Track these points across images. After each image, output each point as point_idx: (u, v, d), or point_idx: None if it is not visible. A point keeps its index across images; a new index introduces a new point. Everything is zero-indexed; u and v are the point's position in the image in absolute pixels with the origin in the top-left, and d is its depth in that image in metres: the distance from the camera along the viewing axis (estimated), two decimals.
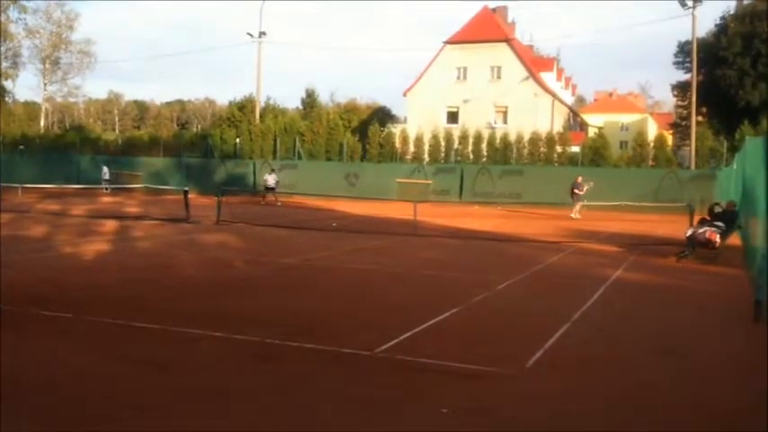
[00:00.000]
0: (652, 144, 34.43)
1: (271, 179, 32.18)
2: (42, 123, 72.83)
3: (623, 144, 56.39)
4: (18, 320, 7.60)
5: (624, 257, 14.30)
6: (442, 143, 37.38)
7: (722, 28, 43.36)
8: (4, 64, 67.78)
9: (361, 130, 44.36)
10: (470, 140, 36.73)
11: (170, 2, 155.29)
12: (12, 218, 19.64)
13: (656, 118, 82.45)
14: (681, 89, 50.13)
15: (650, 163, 33.58)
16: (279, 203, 30.79)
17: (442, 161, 36.78)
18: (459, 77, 51.74)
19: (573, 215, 25.54)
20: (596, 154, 34.16)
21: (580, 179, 26.72)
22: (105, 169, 37.45)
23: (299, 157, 39.48)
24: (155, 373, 5.93)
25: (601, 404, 5.40)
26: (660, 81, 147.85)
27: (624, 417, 5.15)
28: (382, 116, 58.72)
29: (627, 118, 79.02)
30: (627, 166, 33.63)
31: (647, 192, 28.05)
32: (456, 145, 37.08)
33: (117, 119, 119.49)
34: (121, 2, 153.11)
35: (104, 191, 34.99)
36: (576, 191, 26.14)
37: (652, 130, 56.45)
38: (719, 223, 13.99)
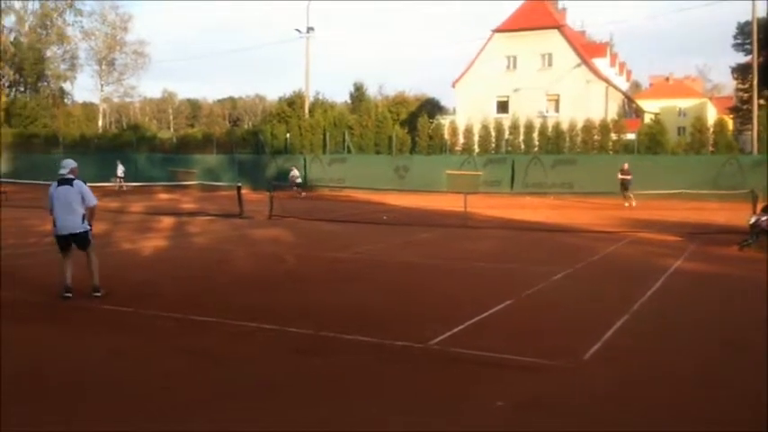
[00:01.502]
0: (711, 129, 33.32)
1: (297, 176, 33.91)
2: (100, 123, 74.87)
3: (681, 130, 54.86)
4: (79, 314, 7.81)
5: (684, 247, 13.89)
6: (493, 133, 36.96)
7: None
8: (63, 66, 70.00)
9: (410, 123, 44.20)
10: (521, 130, 36.21)
11: (219, 1, 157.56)
12: None
13: (715, 102, 79.97)
14: (741, 72, 48.55)
15: (710, 149, 32.54)
16: (302, 195, 31.96)
17: (493, 152, 36.38)
18: (508, 66, 51.05)
19: (627, 204, 25.09)
20: (653, 141, 33.26)
21: (626, 166, 26.17)
22: (121, 167, 37.80)
23: (349, 151, 39.60)
24: (211, 366, 6.01)
25: (661, 398, 5.23)
26: (719, 64, 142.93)
27: (685, 410, 4.98)
28: (431, 108, 58.39)
29: (684, 103, 76.82)
30: (685, 153, 32.65)
31: (707, 179, 27.20)
32: (506, 135, 36.60)
33: (171, 117, 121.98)
34: (171, 2, 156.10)
35: (116, 188, 34.72)
36: (624, 177, 25.65)
37: (711, 115, 54.74)
38: None
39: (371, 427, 4.64)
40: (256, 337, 6.92)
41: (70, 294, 8.29)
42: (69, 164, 8.70)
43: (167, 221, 19.53)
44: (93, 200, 8.64)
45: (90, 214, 8.66)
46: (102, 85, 72.92)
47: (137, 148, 44.83)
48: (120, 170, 37.56)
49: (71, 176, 8.56)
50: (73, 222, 8.45)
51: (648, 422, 4.75)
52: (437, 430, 4.59)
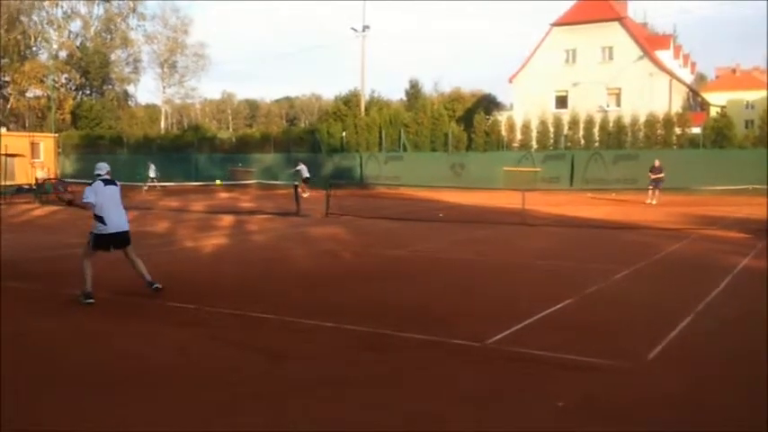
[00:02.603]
0: None
1: (304, 170, 31.90)
2: (162, 125, 76.91)
3: (749, 123, 52.96)
4: (144, 311, 8.03)
5: (752, 244, 13.41)
6: (551, 129, 36.43)
7: None
8: (126, 69, 72.13)
9: (466, 119, 44.01)
10: (581, 125, 35.58)
11: (275, 2, 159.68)
12: (137, 215, 20.82)
13: None
14: None
15: None
16: (306, 195, 28.76)
17: (551, 148, 35.88)
18: (567, 60, 50.19)
19: (649, 201, 24.80)
20: (719, 135, 32.25)
21: (658, 163, 25.57)
22: (152, 167, 37.12)
23: (405, 149, 39.61)
24: (271, 362, 6.09)
25: (728, 400, 5.07)
26: None
27: (752, 415, 4.80)
28: (487, 104, 58.01)
29: (752, 95, 73.98)
30: (753, 147, 31.54)
31: None
32: (565, 130, 36.02)
33: (230, 118, 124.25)
34: (230, 5, 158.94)
35: (146, 189, 34.14)
36: (655, 175, 25.14)
37: None
38: None
39: (430, 425, 4.63)
40: (315, 334, 6.99)
41: (92, 300, 8.24)
42: (105, 166, 8.83)
43: (227, 220, 19.91)
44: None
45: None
46: (164, 87, 74.96)
47: (198, 149, 45.81)
48: (153, 171, 37.01)
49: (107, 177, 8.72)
50: (121, 220, 8.61)
51: (715, 426, 4.61)
52: (496, 430, 4.55)
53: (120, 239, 8.62)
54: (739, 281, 9.75)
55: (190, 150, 45.29)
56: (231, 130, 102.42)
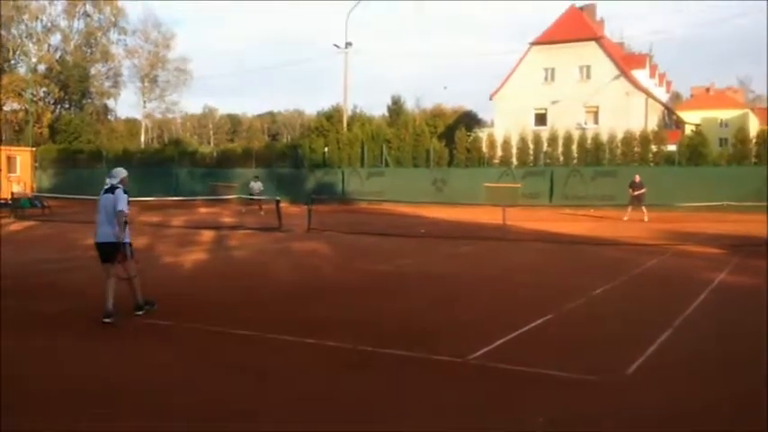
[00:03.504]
0: (754, 140, 32.66)
1: (256, 187, 30.65)
2: (142, 139, 76.54)
3: (723, 141, 53.86)
4: (121, 327, 7.93)
5: (727, 260, 13.62)
6: (531, 146, 36.77)
7: None
8: (106, 84, 71.78)
9: (448, 136, 44.23)
10: (560, 142, 35.95)
11: (258, 17, 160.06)
12: None
13: (757, 113, 78.24)
14: None
15: (752, 160, 31.88)
16: (261, 212, 28.00)
17: (531, 164, 36.17)
18: (546, 78, 50.80)
19: (626, 218, 24.69)
20: (694, 152, 32.74)
21: (638, 178, 25.64)
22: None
23: (387, 165, 39.73)
24: (253, 379, 6.07)
25: (707, 415, 5.14)
26: (761, 74, 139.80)
27: (732, 427, 4.88)
28: (468, 120, 58.41)
29: (726, 114, 75.41)
30: (727, 165, 32.06)
31: (750, 191, 26.50)
32: (545, 147, 36.38)
33: (212, 132, 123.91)
34: (213, 20, 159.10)
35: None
36: (637, 191, 25.12)
37: (753, 126, 53.57)
38: None
39: None
40: (296, 350, 6.98)
41: (109, 320, 7.85)
42: (119, 173, 8.37)
43: (207, 235, 19.83)
44: (120, 204, 8.03)
45: (117, 221, 8.05)
46: (144, 102, 74.64)
47: (178, 163, 45.59)
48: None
49: (119, 186, 8.22)
50: (106, 231, 8.09)
51: None
52: None
53: (103, 252, 8.14)
54: (716, 296, 9.89)
55: (170, 165, 45.07)
56: (212, 144, 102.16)
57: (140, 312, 8.33)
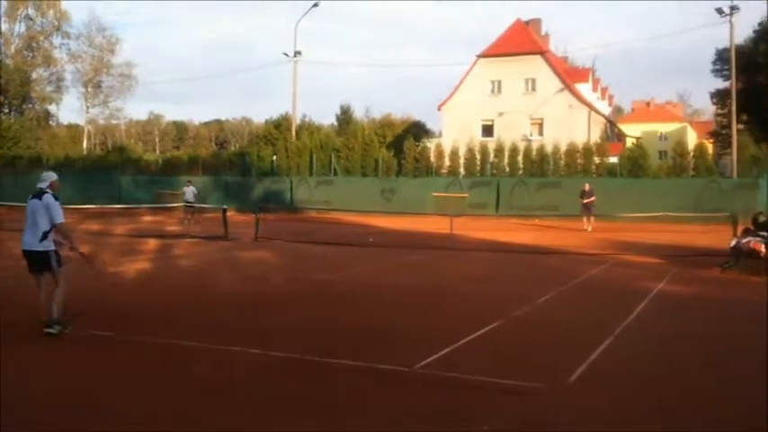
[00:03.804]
0: (692, 153, 33.82)
1: (189, 192, 29.13)
2: (85, 145, 74.58)
3: (662, 154, 55.48)
4: (59, 339, 7.71)
5: (666, 269, 14.04)
6: (478, 156, 37.26)
7: (760, 35, 42.65)
8: (48, 88, 69.81)
9: (397, 145, 44.46)
10: (506, 153, 36.53)
11: (207, 25, 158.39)
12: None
13: (695, 127, 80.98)
14: (720, 97, 49.30)
15: (690, 173, 32.98)
16: (188, 220, 27.69)
17: (478, 174, 36.63)
18: (493, 90, 51.58)
19: (586, 227, 24.88)
20: (635, 164, 33.68)
21: (588, 187, 26.09)
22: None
23: (335, 174, 39.70)
24: (195, 391, 5.99)
25: (646, 420, 5.29)
26: (699, 89, 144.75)
27: (672, 429, 5.05)
28: (417, 131, 58.74)
29: (665, 127, 77.77)
30: (666, 176, 33.08)
31: (688, 202, 27.48)
32: (491, 158, 36.92)
33: (157, 139, 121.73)
34: (159, 26, 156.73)
35: None
36: (586, 199, 25.50)
37: (691, 139, 55.40)
38: (764, 233, 13.65)
39: None
40: (241, 361, 6.90)
41: (52, 330, 7.57)
42: (49, 176, 7.93)
43: (152, 244, 19.46)
44: (57, 217, 7.63)
45: (62, 235, 7.77)
46: (87, 107, 72.81)
47: (122, 170, 44.68)
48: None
49: (47, 190, 7.78)
50: (31, 239, 7.65)
51: None
52: None
53: (31, 260, 7.75)
54: (655, 304, 10.18)
55: (114, 172, 44.10)
56: (158, 151, 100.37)
57: (51, 330, 7.63)
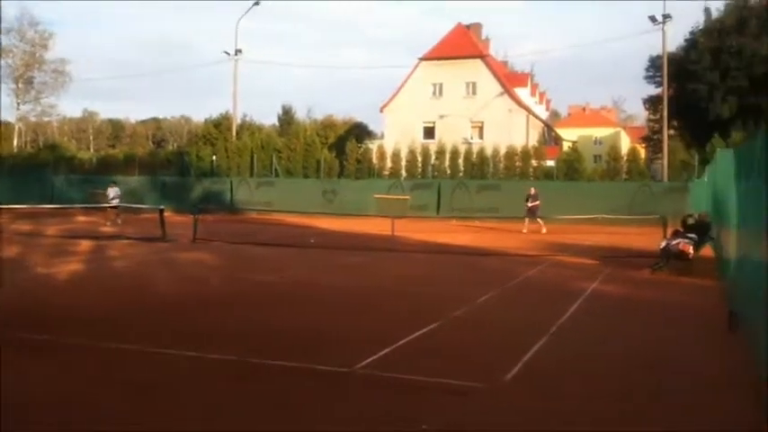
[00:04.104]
0: (625, 157, 34.89)
1: (112, 192, 28.58)
2: (15, 143, 71.91)
3: (597, 158, 57.09)
4: None
5: (600, 270, 14.44)
6: (419, 159, 37.56)
7: (692, 43, 44.20)
8: None
9: (339, 147, 44.42)
10: (447, 156, 36.96)
11: (145, 22, 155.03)
12: None
13: (628, 132, 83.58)
14: (652, 103, 50.89)
15: (624, 176, 33.99)
16: (110, 222, 26.98)
17: (420, 177, 36.93)
18: (434, 93, 52.10)
19: (535, 229, 25.15)
20: (571, 168, 34.53)
21: (533, 191, 26.46)
22: None
23: (277, 174, 39.40)
24: (135, 396, 5.86)
25: (579, 417, 5.44)
26: (632, 95, 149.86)
27: (604, 429, 5.20)
28: (359, 132, 58.83)
29: (600, 132, 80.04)
30: (601, 180, 34.00)
31: (621, 205, 28.29)
32: (433, 160, 37.28)
33: (92, 137, 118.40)
34: (95, 21, 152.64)
35: None
36: (532, 203, 25.81)
37: (625, 144, 57.16)
38: (692, 235, 14.17)
39: None
40: (178, 364, 6.80)
41: None
42: None
43: (85, 245, 18.93)
44: None
45: None
46: (18, 104, 70.25)
47: (54, 169, 43.33)
48: None
49: None
50: None
51: None
52: None
53: None
54: (588, 303, 10.46)
55: (46, 171, 42.71)
56: (92, 150, 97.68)
57: None
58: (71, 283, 12.22)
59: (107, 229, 24.89)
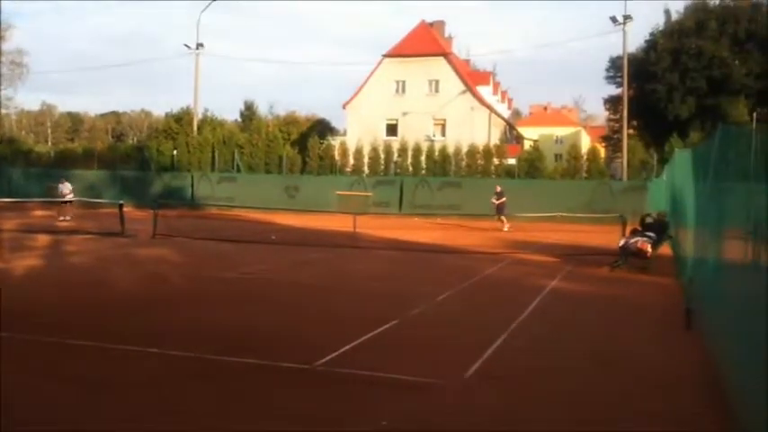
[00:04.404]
0: (585, 156, 35.39)
1: (66, 189, 27.90)
2: None
3: (558, 156, 57.78)
4: None
5: (560, 268, 14.64)
6: (382, 156, 37.59)
7: (652, 44, 45.00)
8: None
9: (301, 143, 44.20)
10: (409, 153, 37.06)
11: (106, 14, 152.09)
12: None
13: (589, 131, 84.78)
14: (612, 103, 51.69)
15: (584, 175, 34.48)
16: (64, 218, 26.22)
17: (382, 173, 36.96)
18: (397, 90, 52.16)
19: (506, 228, 25.16)
20: (532, 166, 34.91)
21: (499, 188, 26.51)
22: None
23: (238, 170, 39.08)
24: (91, 393, 5.78)
25: (539, 413, 5.53)
26: (593, 95, 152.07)
27: (561, 426, 5.29)
28: (322, 129, 58.62)
29: (561, 131, 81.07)
30: (561, 178, 34.43)
31: (581, 203, 28.69)
32: (395, 157, 37.35)
33: (50, 131, 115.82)
34: (52, 13, 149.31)
35: None
36: (498, 200, 25.86)
37: (585, 143, 58.05)
38: (651, 233, 14.45)
39: None
40: (137, 361, 6.73)
41: None
42: None
43: (42, 240, 18.53)
44: None
45: None
46: None
47: (11, 163, 42.35)
48: None
49: None
50: None
51: None
52: None
53: None
54: (548, 301, 10.61)
55: (2, 164, 41.71)
56: (50, 143, 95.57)
57: None
58: (28, 278, 11.96)
59: (62, 224, 24.41)
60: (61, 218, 26.31)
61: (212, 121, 52.65)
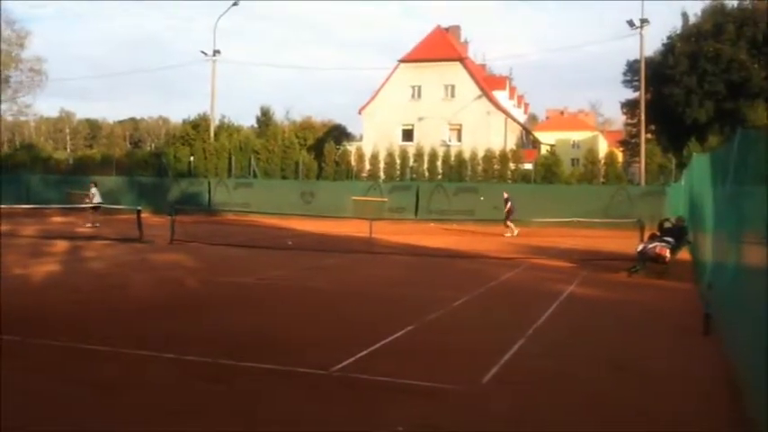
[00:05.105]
0: (603, 161, 35.24)
1: (97, 194, 27.47)
2: None
3: (575, 161, 57.45)
4: None
5: (576, 273, 14.55)
6: (398, 161, 37.60)
7: (669, 47, 44.68)
8: None
9: (317, 148, 44.39)
10: (425, 158, 37.05)
11: (123, 21, 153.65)
12: None
13: (606, 135, 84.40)
14: (630, 107, 51.37)
15: (601, 180, 34.30)
16: (93, 224, 25.69)
17: (398, 179, 36.97)
18: (413, 96, 52.18)
19: (513, 234, 24.69)
20: (548, 171, 34.77)
21: (506, 195, 26.33)
22: None
23: (255, 176, 39.26)
24: (106, 396, 5.82)
25: (556, 419, 5.49)
26: (610, 99, 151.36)
27: (581, 426, 5.24)
28: (338, 134, 58.83)
29: (578, 135, 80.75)
30: (578, 183, 34.27)
31: (598, 208, 28.56)
32: (411, 163, 37.35)
33: (68, 138, 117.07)
34: (72, 20, 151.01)
35: None
36: (506, 207, 25.63)
37: (602, 148, 57.80)
38: (669, 238, 14.32)
39: None
40: (154, 365, 6.75)
41: None
42: None
43: (61, 245, 18.71)
44: None
45: None
46: None
47: (30, 169, 42.84)
48: None
49: None
50: None
51: None
52: None
53: None
54: (565, 306, 10.54)
55: (22, 171, 42.21)
56: (69, 150, 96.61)
57: None
58: (47, 283, 12.08)
59: (83, 229, 24.60)
60: (89, 224, 25.61)
61: (229, 128, 53.05)
